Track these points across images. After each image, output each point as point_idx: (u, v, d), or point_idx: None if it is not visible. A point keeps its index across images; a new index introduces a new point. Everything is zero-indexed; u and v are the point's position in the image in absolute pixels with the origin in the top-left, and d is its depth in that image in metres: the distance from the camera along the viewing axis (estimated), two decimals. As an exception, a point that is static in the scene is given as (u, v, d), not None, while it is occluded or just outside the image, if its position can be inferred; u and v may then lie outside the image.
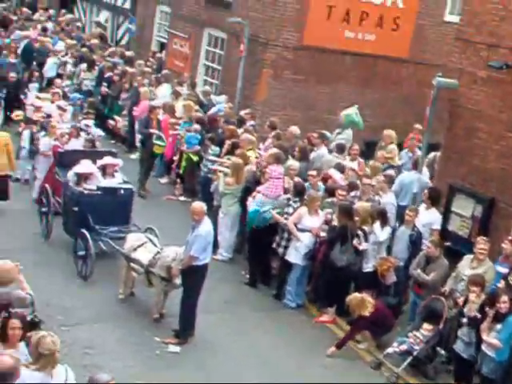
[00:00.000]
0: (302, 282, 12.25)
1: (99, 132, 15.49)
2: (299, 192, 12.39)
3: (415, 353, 10.43)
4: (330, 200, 12.53)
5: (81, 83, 20.97)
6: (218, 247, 13.29)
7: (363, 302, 10.81)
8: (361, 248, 11.60)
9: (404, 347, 10.52)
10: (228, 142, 14.81)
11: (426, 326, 10.53)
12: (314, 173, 13.10)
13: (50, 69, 21.70)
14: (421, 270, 11.06)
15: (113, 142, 19.31)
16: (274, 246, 12.28)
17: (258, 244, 12.66)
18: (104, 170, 12.99)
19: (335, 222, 11.78)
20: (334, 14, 18.74)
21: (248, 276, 12.82)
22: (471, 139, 12.50)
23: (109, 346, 10.13)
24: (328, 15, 18.71)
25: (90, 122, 16.39)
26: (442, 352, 10.67)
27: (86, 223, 12.18)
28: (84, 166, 12.84)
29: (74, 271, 12.01)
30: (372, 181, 13.13)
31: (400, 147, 16.21)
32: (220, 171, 13.82)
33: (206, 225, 10.47)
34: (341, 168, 13.79)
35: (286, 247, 12.13)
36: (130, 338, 10.44)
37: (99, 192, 12.58)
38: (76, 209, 12.45)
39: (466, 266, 10.74)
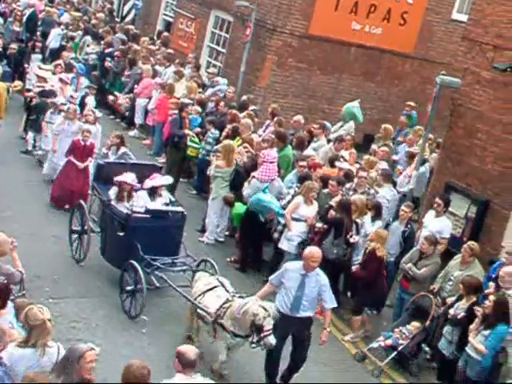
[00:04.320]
0: (293, 270, 12.28)
1: (98, 113, 15.25)
2: (303, 179, 12.46)
3: (400, 348, 10.48)
4: (325, 191, 12.54)
5: (87, 57, 20.87)
6: (205, 231, 13.38)
7: (384, 240, 11.03)
8: (352, 241, 11.64)
9: (389, 342, 10.56)
10: (229, 127, 14.79)
11: (413, 323, 10.57)
12: (304, 163, 13.11)
13: (53, 40, 21.59)
14: (412, 264, 11.08)
15: (112, 117, 19.27)
16: (272, 231, 12.34)
17: (251, 227, 12.66)
18: (155, 191, 11.45)
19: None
20: (342, 4, 18.71)
21: (233, 262, 12.82)
22: (471, 139, 12.51)
23: (95, 321, 10.15)
24: (336, 6, 18.69)
25: (91, 99, 16.37)
26: (427, 349, 10.75)
27: (135, 252, 10.52)
28: (126, 177, 11.32)
29: (66, 243, 11.84)
30: (368, 174, 13.13)
31: (397, 142, 16.32)
32: (216, 154, 13.73)
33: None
34: (335, 158, 13.80)
35: (281, 232, 12.17)
36: (118, 315, 10.44)
37: (148, 216, 10.89)
38: (122, 234, 10.88)
39: (455, 267, 10.79)
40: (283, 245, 12.08)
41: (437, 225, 11.75)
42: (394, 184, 13.90)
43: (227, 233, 13.74)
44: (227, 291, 9.46)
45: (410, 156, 14.79)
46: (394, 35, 19.35)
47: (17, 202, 13.20)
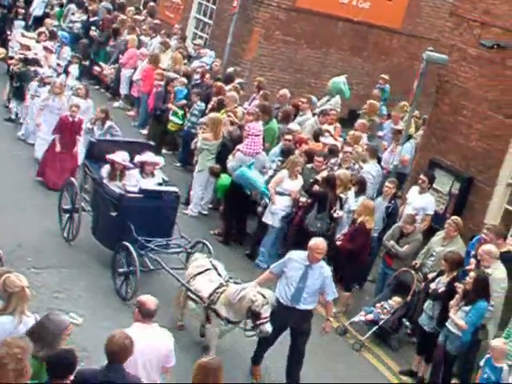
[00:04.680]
0: (276, 243, 12.32)
1: (77, 84, 15.02)
2: (286, 153, 12.42)
3: (381, 323, 10.57)
4: (310, 166, 12.53)
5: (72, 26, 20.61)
6: (189, 203, 13.36)
7: (372, 212, 11.06)
8: (336, 216, 11.66)
9: (370, 316, 10.65)
10: (214, 99, 14.69)
11: (395, 298, 10.65)
12: (289, 137, 13.08)
13: (37, 7, 21.28)
14: (394, 242, 11.14)
15: (97, 88, 19.09)
16: (256, 204, 12.36)
17: (236, 200, 12.64)
18: (142, 167, 11.07)
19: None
20: (329, -23, 18.55)
21: (217, 234, 12.81)
22: (456, 116, 12.52)
23: (77, 292, 10.12)
24: (324, -21, 18.52)
25: (74, 68, 16.18)
26: (408, 324, 10.85)
27: (128, 233, 10.30)
28: (119, 156, 11.05)
29: (51, 215, 11.74)
30: (353, 149, 13.12)
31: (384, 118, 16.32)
32: (203, 126, 13.66)
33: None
34: (320, 132, 13.79)
35: (265, 207, 12.18)
36: (100, 287, 10.42)
37: (142, 195, 10.62)
38: (115, 214, 10.62)
39: (438, 243, 10.84)
40: (267, 219, 12.09)
41: (421, 201, 11.78)
42: (379, 160, 13.91)
43: (211, 205, 13.72)
44: (220, 275, 9.18)
45: (395, 132, 14.79)
46: (382, 10, 19.23)
47: (0, 171, 13.06)
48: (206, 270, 9.28)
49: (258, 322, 8.44)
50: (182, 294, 9.59)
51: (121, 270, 10.17)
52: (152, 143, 12.66)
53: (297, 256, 8.87)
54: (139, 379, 6.31)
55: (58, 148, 13.07)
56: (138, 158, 11.05)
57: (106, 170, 10.98)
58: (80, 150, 13.13)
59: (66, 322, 6.40)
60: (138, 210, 10.38)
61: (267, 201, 12.17)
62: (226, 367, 8.32)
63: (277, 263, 9.15)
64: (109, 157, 10.93)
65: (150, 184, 10.93)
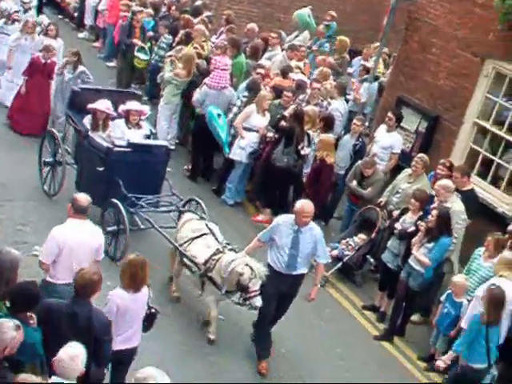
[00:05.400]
0: (243, 179, 12.32)
1: (45, 19, 14.49)
2: (251, 88, 12.29)
3: (345, 259, 10.70)
4: (277, 102, 12.44)
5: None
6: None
7: (331, 146, 11.03)
8: (303, 152, 11.66)
9: (335, 253, 10.77)
10: (182, 32, 14.42)
11: (360, 235, 10.76)
12: (261, 70, 12.93)
13: None
14: (357, 183, 11.17)
15: (60, 17, 18.61)
16: None
17: (202, 136, 12.53)
18: (127, 117, 10.53)
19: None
20: None
21: (187, 170, 12.76)
22: (425, 54, 12.46)
23: (42, 224, 9.98)
24: None
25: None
26: (371, 260, 11.00)
27: (116, 189, 9.77)
28: (101, 104, 10.51)
29: (15, 146, 11.48)
30: (321, 86, 13.04)
31: (353, 54, 16.19)
32: (170, 57, 13.40)
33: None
34: (289, 69, 13.66)
35: (231, 143, 12.17)
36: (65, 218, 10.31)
37: (129, 149, 10.05)
38: (101, 169, 10.06)
39: (403, 180, 10.90)
40: (235, 155, 12.05)
41: (388, 140, 11.79)
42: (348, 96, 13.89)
43: (177, 141, 13.61)
44: (217, 240, 8.80)
45: (363, 70, 14.75)
46: None
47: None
48: (203, 235, 8.86)
49: (247, 296, 8.15)
50: (177, 260, 9.17)
51: (109, 228, 9.61)
52: (138, 92, 12.18)
53: (284, 221, 8.40)
54: (103, 313, 6.35)
55: (23, 90, 12.57)
56: (122, 108, 10.57)
57: (87, 119, 10.52)
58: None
59: (18, 257, 6.41)
60: (126, 165, 9.82)
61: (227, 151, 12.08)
62: (227, 342, 8.55)
63: (264, 231, 8.68)
64: (90, 106, 10.46)
65: (137, 136, 10.45)
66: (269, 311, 8.44)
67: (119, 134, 10.33)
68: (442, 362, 8.58)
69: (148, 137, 10.75)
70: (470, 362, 8.12)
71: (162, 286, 9.28)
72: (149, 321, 7.02)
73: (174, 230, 9.54)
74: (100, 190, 9.76)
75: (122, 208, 9.51)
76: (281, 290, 8.39)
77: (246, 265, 8.16)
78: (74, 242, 7.14)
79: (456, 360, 8.41)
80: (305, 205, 8.31)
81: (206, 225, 9.04)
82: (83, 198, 7.41)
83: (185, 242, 8.90)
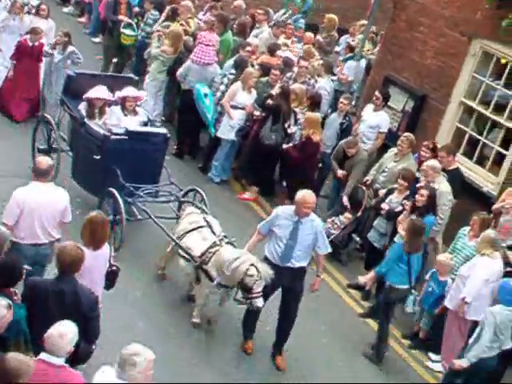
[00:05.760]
0: (230, 157, 12.29)
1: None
2: (239, 66, 12.23)
3: (331, 237, 10.71)
4: (264, 79, 12.40)
5: None
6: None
7: (317, 123, 11.08)
8: (289, 131, 11.64)
9: (321, 231, 10.77)
10: (168, 8, 14.29)
11: (346, 214, 10.78)
12: (249, 48, 12.88)
13: None
14: (338, 162, 11.14)
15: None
16: None
17: (188, 112, 12.45)
18: (123, 103, 10.29)
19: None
20: None
21: (176, 147, 12.73)
22: (412, 33, 12.45)
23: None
24: None
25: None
26: (357, 239, 11.04)
27: (114, 179, 9.49)
28: (98, 91, 10.27)
29: (5, 132, 11.31)
30: (308, 64, 13.00)
31: (341, 33, 16.13)
32: (158, 32, 13.26)
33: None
34: (276, 46, 13.60)
35: (218, 120, 12.11)
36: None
37: (127, 137, 9.73)
38: (98, 158, 9.78)
39: (390, 159, 10.92)
40: (222, 134, 12.01)
41: (375, 119, 11.76)
42: (335, 75, 13.85)
43: (163, 118, 13.54)
44: (214, 233, 8.61)
45: (347, 47, 14.72)
46: None
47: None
48: (199, 228, 8.70)
49: (249, 296, 7.95)
50: (173, 248, 9.05)
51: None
52: (134, 77, 11.91)
53: (283, 212, 8.20)
54: (90, 290, 6.33)
55: (10, 74, 12.32)
56: (118, 94, 10.30)
57: (83, 106, 10.25)
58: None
59: (4, 233, 6.44)
60: (123, 153, 9.54)
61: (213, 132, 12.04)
62: (219, 331, 8.46)
63: (263, 222, 8.45)
64: (86, 96, 10.19)
65: (133, 122, 10.22)
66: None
67: (115, 121, 10.12)
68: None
69: (145, 124, 10.52)
70: (394, 283, 8.86)
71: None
72: (110, 279, 7.10)
73: (172, 220, 9.39)
74: (97, 179, 9.63)
75: (119, 197, 9.27)
76: (278, 283, 8.16)
77: (252, 265, 7.92)
78: (34, 202, 7.24)
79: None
80: (306, 195, 8.05)
81: (204, 218, 8.84)
82: (43, 161, 7.51)
83: (182, 235, 8.75)
